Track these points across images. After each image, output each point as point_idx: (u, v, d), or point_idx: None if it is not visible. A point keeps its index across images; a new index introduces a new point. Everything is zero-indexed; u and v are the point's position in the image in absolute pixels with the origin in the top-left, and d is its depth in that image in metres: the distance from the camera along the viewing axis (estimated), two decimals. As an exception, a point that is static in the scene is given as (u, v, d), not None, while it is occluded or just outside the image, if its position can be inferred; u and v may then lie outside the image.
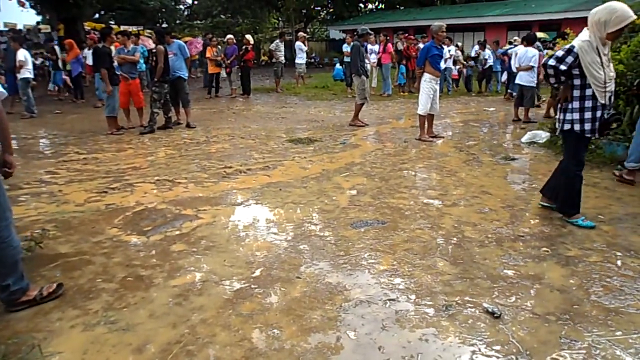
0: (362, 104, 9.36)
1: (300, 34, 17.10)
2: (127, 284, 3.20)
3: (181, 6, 40.79)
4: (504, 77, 13.97)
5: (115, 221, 4.35)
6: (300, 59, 16.27)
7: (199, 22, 33.90)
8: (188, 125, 9.08)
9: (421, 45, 14.27)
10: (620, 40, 6.94)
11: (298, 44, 16.22)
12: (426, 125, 7.90)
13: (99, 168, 6.24)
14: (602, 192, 5.04)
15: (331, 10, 35.07)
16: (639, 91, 5.94)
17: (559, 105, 4.11)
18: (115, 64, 8.71)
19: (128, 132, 8.68)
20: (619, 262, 3.40)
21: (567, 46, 3.85)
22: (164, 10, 38.20)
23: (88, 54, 14.25)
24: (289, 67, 18.75)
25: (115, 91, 8.50)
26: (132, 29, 25.68)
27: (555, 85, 4.10)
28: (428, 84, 7.71)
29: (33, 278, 3.22)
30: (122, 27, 26.77)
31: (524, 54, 9.54)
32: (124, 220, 4.37)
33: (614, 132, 6.16)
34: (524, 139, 7.64)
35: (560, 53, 3.83)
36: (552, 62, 3.84)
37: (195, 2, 37.91)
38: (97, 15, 33.71)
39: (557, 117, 4.20)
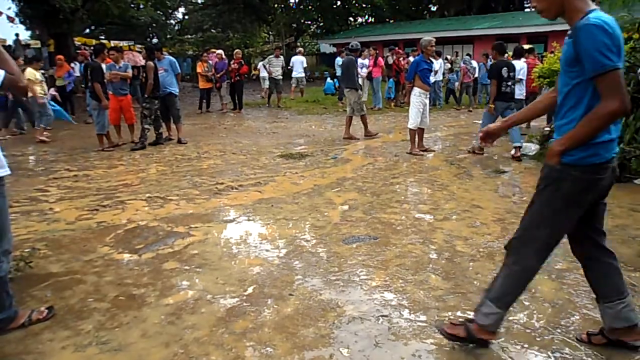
0: (365, 115, 9.49)
1: (300, 49, 18.02)
2: (119, 303, 3.18)
3: (172, 21, 40.93)
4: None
5: (107, 239, 4.34)
6: (300, 73, 16.88)
7: (189, 36, 34.01)
8: (179, 141, 9.09)
9: (411, 59, 14.52)
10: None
11: (299, 58, 16.98)
12: (417, 139, 7.96)
13: (90, 185, 6.22)
14: (591, 204, 5.09)
15: (321, 24, 35.29)
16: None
17: None
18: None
19: (119, 148, 8.66)
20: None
21: None
22: (154, 25, 38.30)
23: (77, 67, 14.32)
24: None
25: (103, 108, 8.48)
26: (123, 44, 25.75)
27: None
28: (418, 98, 7.79)
29: (22, 299, 3.19)
30: (113, 43, 26.81)
31: (512, 67, 9.65)
32: (116, 238, 4.36)
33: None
34: (513, 152, 7.71)
35: None
36: None
37: (186, 17, 38.05)
38: (87, 30, 33.76)
39: None
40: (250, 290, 3.32)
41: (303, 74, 17.30)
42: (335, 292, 3.26)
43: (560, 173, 2.24)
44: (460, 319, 2.73)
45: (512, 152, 7.58)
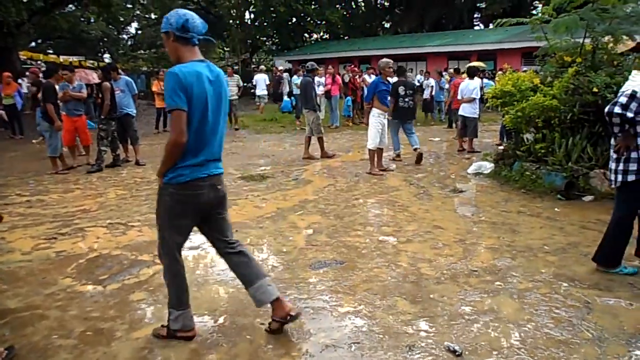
0: (322, 136, 9.60)
1: (262, 67, 18.94)
2: (86, 338, 3.11)
3: (124, 36, 40.21)
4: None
5: (68, 270, 4.22)
6: (263, 90, 17.48)
7: (143, 52, 33.50)
8: (137, 163, 8.93)
9: (366, 77, 14.86)
10: (551, 74, 7.53)
11: (262, 75, 17.56)
12: (376, 159, 8.15)
13: (45, 212, 6.02)
14: (545, 222, 5.37)
15: (277, 40, 35.60)
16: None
17: (615, 156, 3.79)
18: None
19: (74, 171, 8.42)
20: (565, 293, 3.63)
21: (628, 91, 3.62)
22: (105, 40, 37.57)
23: (24, 84, 13.86)
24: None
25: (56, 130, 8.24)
26: (73, 59, 25.06)
27: (619, 135, 3.73)
28: (377, 118, 7.99)
29: (-19, 339, 3.07)
30: (62, 58, 26.05)
31: (465, 87, 10.08)
32: (77, 269, 4.25)
33: (552, 163, 6.63)
34: (470, 170, 8.02)
35: (623, 100, 3.58)
36: (617, 109, 3.57)
37: (139, 32, 37.50)
38: (33, 44, 32.69)
39: (613, 167, 3.83)
40: (221, 320, 3.32)
41: (265, 92, 17.86)
42: (306, 319, 3.30)
43: (162, 190, 2.84)
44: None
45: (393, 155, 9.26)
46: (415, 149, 8.93)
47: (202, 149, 2.77)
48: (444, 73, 16.69)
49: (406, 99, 8.81)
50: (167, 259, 2.98)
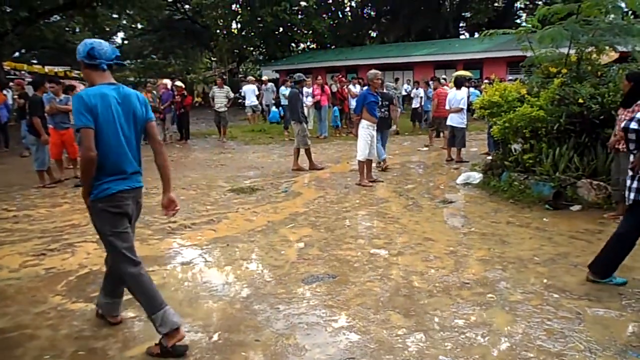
0: (309, 148, 9.60)
1: (250, 78, 18.90)
2: (78, 358, 3.08)
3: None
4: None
5: (58, 287, 4.17)
6: (253, 101, 17.56)
7: (129, 62, 33.35)
8: (125, 176, 8.83)
9: (351, 87, 14.93)
10: (537, 85, 7.65)
11: (250, 86, 17.65)
12: (365, 170, 8.18)
13: (32, 227, 5.95)
14: (535, 232, 5.43)
15: (264, 50, 35.66)
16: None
17: (631, 173, 3.83)
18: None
19: (62, 184, 8.34)
20: (556, 304, 3.67)
21: None
22: (91, 50, 37.23)
23: (9, 95, 13.67)
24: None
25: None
26: (58, 69, 24.89)
27: (635, 152, 3.79)
28: (366, 130, 8.03)
29: (-31, 362, 3.03)
30: (47, 68, 25.84)
31: (453, 97, 10.20)
32: (68, 286, 4.20)
33: (540, 173, 6.72)
34: (458, 180, 8.09)
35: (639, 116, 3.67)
36: (634, 125, 3.62)
37: (126, 42, 37.33)
38: (17, 54, 32.37)
39: (628, 184, 3.87)
40: (215, 337, 3.31)
41: (256, 102, 17.90)
42: (300, 335, 3.30)
43: (92, 208, 3.06)
44: None
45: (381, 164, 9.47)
46: (382, 161, 9.43)
47: (120, 162, 3.04)
48: (430, 82, 16.86)
49: (382, 109, 9.19)
50: (123, 265, 3.09)
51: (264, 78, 20.40)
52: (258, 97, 17.99)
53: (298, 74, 10.69)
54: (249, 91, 17.43)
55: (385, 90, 10.46)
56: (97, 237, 5.33)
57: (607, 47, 7.42)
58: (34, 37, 25.91)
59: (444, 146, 11.18)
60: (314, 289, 4.07)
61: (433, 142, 12.67)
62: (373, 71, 8.33)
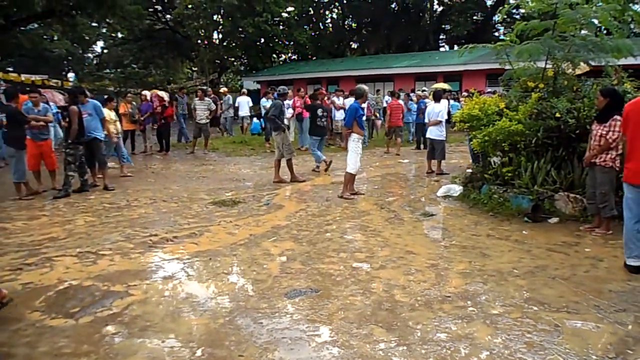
0: (291, 159, 9.59)
1: (243, 90, 19.98)
2: (58, 377, 3.04)
3: (89, 55, 39.60)
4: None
5: (36, 303, 4.10)
6: (246, 112, 18.44)
7: (109, 72, 33.02)
8: (106, 188, 8.75)
9: (334, 99, 14.99)
10: (516, 99, 7.81)
11: (245, 98, 18.47)
12: (349, 183, 8.21)
13: (9, 240, 5.83)
14: (514, 245, 5.53)
15: (245, 61, 35.68)
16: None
17: None
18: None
19: (40, 196, 8.19)
20: (536, 317, 3.73)
21: None
22: (70, 58, 36.91)
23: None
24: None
25: (22, 155, 8.03)
26: (35, 78, 24.50)
27: None
28: (356, 143, 8.06)
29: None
30: (24, 77, 25.43)
31: (432, 110, 10.34)
32: (46, 302, 4.13)
33: (518, 186, 6.84)
34: (439, 193, 8.18)
35: None
36: None
37: (105, 51, 36.99)
38: (-9, 62, 31.82)
39: None
40: (199, 352, 3.29)
41: (248, 113, 18.56)
42: (284, 350, 3.31)
43: None
44: None
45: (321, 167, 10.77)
46: (317, 167, 10.83)
47: None
48: (411, 95, 17.09)
49: (322, 119, 11.08)
50: None
51: (223, 90, 20.05)
52: (215, 111, 17.46)
53: (282, 87, 10.75)
54: (243, 102, 18.13)
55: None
56: (77, 250, 5.38)
57: (582, 63, 7.64)
58: (10, 44, 25.53)
59: (397, 152, 13.62)
60: (297, 303, 4.07)
61: (389, 150, 14.27)
62: (362, 87, 8.37)
